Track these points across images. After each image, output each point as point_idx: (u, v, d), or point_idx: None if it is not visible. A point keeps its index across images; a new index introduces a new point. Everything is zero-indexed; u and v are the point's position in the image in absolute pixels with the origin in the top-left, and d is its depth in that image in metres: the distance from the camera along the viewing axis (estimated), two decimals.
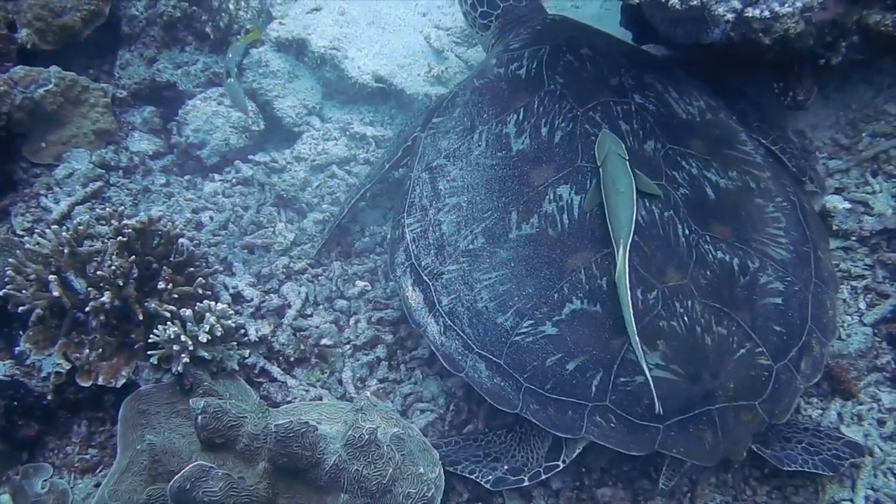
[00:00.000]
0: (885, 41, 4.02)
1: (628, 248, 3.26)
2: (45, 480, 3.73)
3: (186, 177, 4.94)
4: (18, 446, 3.80)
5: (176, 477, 2.90)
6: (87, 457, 3.81)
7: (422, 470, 3.19)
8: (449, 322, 3.59)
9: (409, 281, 3.81)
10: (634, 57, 4.21)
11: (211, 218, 4.60)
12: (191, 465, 2.92)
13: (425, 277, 3.72)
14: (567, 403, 3.31)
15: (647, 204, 3.50)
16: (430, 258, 3.74)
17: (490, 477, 3.44)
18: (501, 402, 3.44)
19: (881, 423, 3.66)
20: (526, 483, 3.41)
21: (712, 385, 3.24)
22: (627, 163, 3.48)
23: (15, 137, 4.70)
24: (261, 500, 3.05)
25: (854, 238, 4.10)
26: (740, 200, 3.66)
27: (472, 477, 3.46)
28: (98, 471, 3.78)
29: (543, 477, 3.43)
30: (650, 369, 3.18)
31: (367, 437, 3.08)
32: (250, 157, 4.95)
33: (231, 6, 5.10)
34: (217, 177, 4.93)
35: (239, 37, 4.46)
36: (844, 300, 3.98)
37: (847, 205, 4.16)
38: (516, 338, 3.42)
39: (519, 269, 3.51)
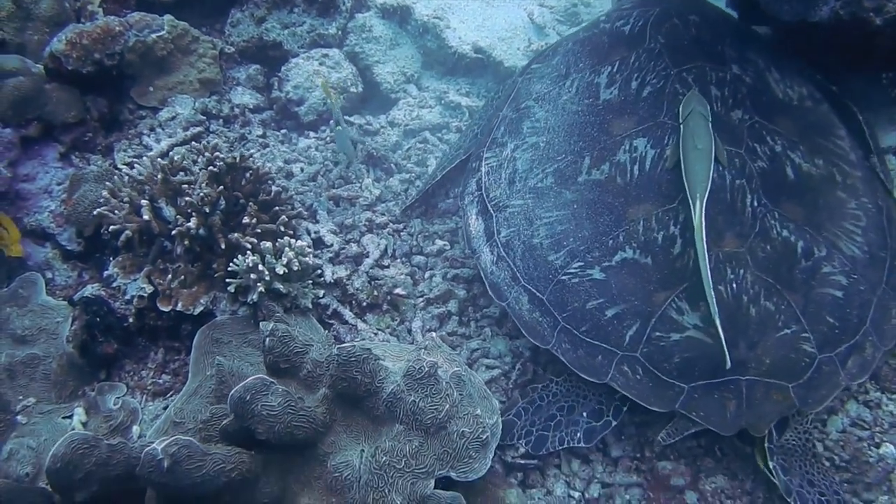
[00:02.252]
0: None
1: (705, 202, 3.20)
2: (118, 398, 3.84)
3: (283, 131, 5.04)
4: (97, 364, 3.93)
5: (237, 387, 2.92)
6: (161, 381, 3.92)
7: (479, 412, 3.15)
8: (503, 252, 3.65)
9: (474, 210, 3.88)
10: (744, 33, 4.16)
11: (301, 169, 4.69)
12: (253, 378, 2.95)
13: (490, 208, 3.78)
14: (599, 348, 3.32)
15: (721, 169, 3.44)
16: (499, 191, 3.79)
17: (579, 434, 3.40)
18: (536, 336, 3.48)
19: None
20: (613, 422, 3.38)
21: (747, 355, 3.18)
22: (710, 123, 3.43)
23: (125, 79, 4.89)
24: (317, 423, 3.07)
25: None
26: (821, 188, 3.55)
27: (565, 447, 3.40)
28: (169, 395, 3.88)
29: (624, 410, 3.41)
30: (687, 328, 3.18)
31: (426, 369, 3.06)
32: (346, 117, 5.02)
33: None
34: (312, 134, 5.02)
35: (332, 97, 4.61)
36: None
37: None
38: (563, 276, 3.44)
39: (580, 211, 3.52)
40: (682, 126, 3.49)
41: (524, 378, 3.76)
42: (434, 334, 3.54)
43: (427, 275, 4.20)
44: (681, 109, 3.55)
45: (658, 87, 3.72)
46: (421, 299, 4.08)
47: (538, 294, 3.49)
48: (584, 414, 3.41)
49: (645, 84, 3.74)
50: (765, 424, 3.20)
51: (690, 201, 3.25)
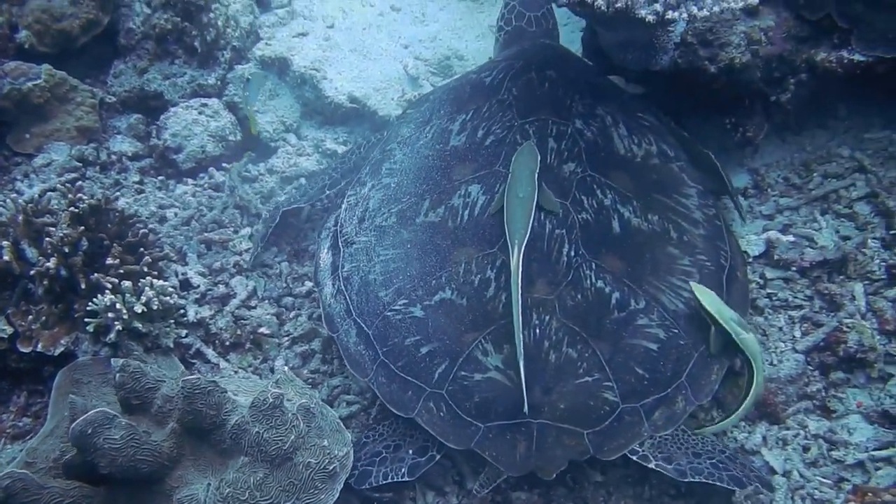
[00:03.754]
0: (832, 79, 4.16)
1: (523, 248, 3.34)
2: None
3: (160, 178, 5.11)
4: None
5: (79, 420, 2.94)
6: (21, 424, 3.89)
7: (326, 443, 3.21)
8: (342, 286, 3.78)
9: (327, 244, 4.04)
10: (603, 91, 4.29)
11: (175, 214, 4.75)
12: (95, 411, 2.97)
13: (340, 244, 3.92)
14: (411, 384, 3.44)
15: (542, 218, 3.58)
16: (351, 227, 3.93)
17: (403, 469, 3.44)
18: (357, 368, 3.61)
19: (805, 449, 3.64)
20: (437, 456, 3.44)
21: (541, 400, 3.29)
22: (536, 175, 3.58)
23: (1, 126, 4.92)
24: (163, 457, 3.09)
25: (794, 269, 4.13)
26: (649, 244, 3.68)
27: (389, 481, 3.43)
28: (28, 438, 3.84)
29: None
30: (489, 368, 3.33)
31: (271, 400, 3.11)
32: (224, 165, 5.12)
33: (220, 22, 5.36)
34: (190, 181, 5.09)
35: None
36: (780, 328, 4.00)
37: (790, 237, 4.22)
38: (388, 313, 3.57)
39: (413, 251, 3.67)
40: (509, 175, 3.65)
41: (384, 412, 3.83)
42: (286, 368, 3.62)
43: (293, 314, 4.27)
44: (513, 159, 3.70)
45: (500, 137, 3.90)
46: (286, 338, 4.15)
47: (365, 328, 3.62)
48: (410, 451, 3.48)
49: (489, 133, 3.92)
50: (553, 468, 3.26)
51: (509, 247, 3.39)
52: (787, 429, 3.72)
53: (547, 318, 3.39)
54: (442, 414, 3.37)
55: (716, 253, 3.81)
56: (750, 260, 4.21)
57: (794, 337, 3.95)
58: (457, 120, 4.06)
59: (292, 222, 4.74)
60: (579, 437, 3.27)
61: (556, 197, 3.64)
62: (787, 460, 3.61)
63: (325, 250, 4.01)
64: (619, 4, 3.17)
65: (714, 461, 3.36)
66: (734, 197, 4.33)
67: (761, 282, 4.16)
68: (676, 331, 3.49)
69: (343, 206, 4.07)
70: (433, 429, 3.37)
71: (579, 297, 3.45)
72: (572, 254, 3.53)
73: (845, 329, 3.78)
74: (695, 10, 3.10)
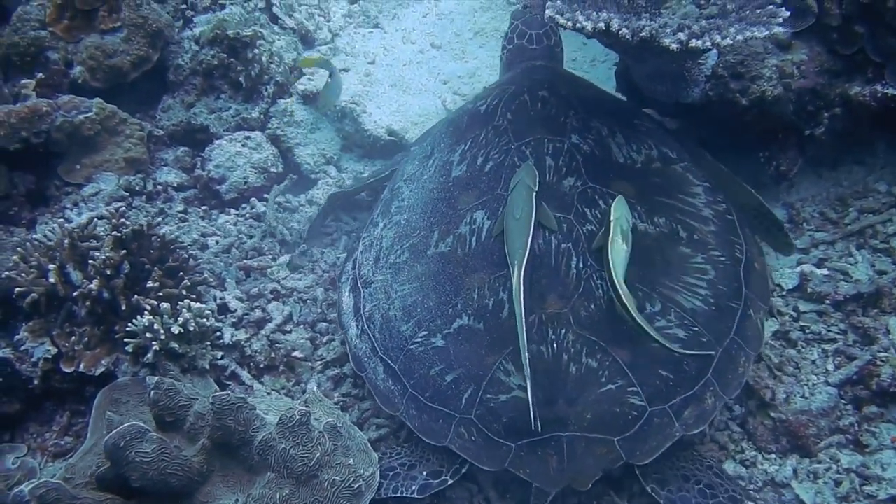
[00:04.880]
0: (866, 114, 4.16)
1: (523, 269, 3.37)
2: (18, 458, 3.92)
3: (203, 207, 5.25)
4: (1, 425, 4.03)
5: (112, 433, 3.04)
6: (62, 443, 4.01)
7: (352, 461, 3.27)
8: (366, 326, 3.84)
9: (347, 287, 4.11)
10: (597, 103, 4.30)
11: (216, 242, 4.88)
12: (127, 424, 3.06)
13: (360, 285, 3.99)
14: (440, 412, 3.49)
15: (546, 234, 3.62)
16: (368, 268, 4.01)
17: (414, 487, 3.49)
18: (388, 404, 3.66)
19: (837, 483, 3.58)
20: (449, 481, 3.48)
21: (566, 412, 3.31)
22: (534, 194, 3.61)
23: (53, 157, 5.12)
24: (193, 472, 3.17)
25: (828, 302, 4.10)
26: (658, 246, 3.69)
27: (397, 495, 3.49)
28: (69, 456, 3.95)
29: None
30: (512, 388, 3.36)
31: (298, 417, 3.18)
32: (265, 196, 5.25)
33: (264, 58, 5.53)
34: (232, 210, 5.23)
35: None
36: (813, 361, 3.96)
37: (825, 271, 4.20)
38: (412, 346, 3.62)
39: (428, 283, 3.73)
40: (508, 197, 3.70)
41: (413, 436, 3.87)
42: (314, 387, 3.69)
43: (326, 339, 4.35)
44: (511, 182, 3.75)
45: (499, 161, 3.94)
46: (319, 363, 4.22)
47: (391, 364, 3.67)
48: (424, 473, 3.53)
49: (488, 159, 3.98)
50: (587, 478, 3.28)
51: (510, 268, 3.44)
52: (819, 462, 3.66)
53: (563, 331, 3.42)
54: (473, 438, 3.40)
55: (730, 247, 3.83)
56: (783, 293, 4.19)
57: (826, 370, 3.91)
58: (456, 151, 4.12)
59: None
60: (610, 444, 3.29)
61: (559, 212, 3.68)
62: (817, 494, 3.56)
63: (347, 293, 4.10)
64: (643, 33, 3.23)
65: (702, 485, 3.41)
66: (781, 228, 4.30)
67: (794, 314, 4.13)
68: (696, 329, 3.51)
69: (359, 249, 4.16)
70: (466, 453, 3.41)
71: (592, 307, 3.48)
72: (581, 266, 3.56)
73: (879, 362, 3.74)
74: (718, 38, 3.14)
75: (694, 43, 3.15)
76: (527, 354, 3.25)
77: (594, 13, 3.31)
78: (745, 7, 3.47)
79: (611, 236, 3.42)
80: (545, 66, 4.59)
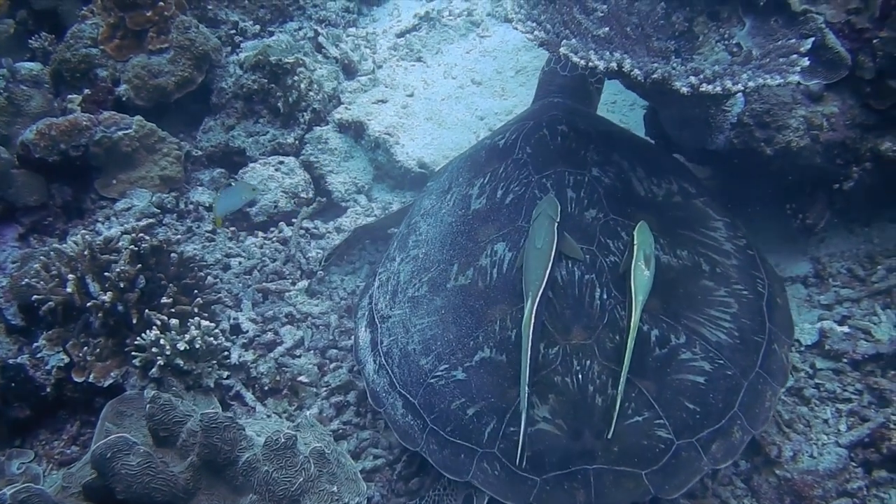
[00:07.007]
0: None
1: (537, 300, 3.32)
2: (23, 463, 3.99)
3: (232, 228, 5.33)
4: (12, 430, 4.12)
5: (99, 443, 3.07)
6: (69, 452, 4.09)
7: (336, 489, 3.24)
8: (384, 361, 3.79)
9: (364, 322, 4.07)
10: (615, 138, 4.28)
11: (239, 263, 4.94)
12: (115, 435, 3.09)
13: (377, 320, 3.95)
14: (462, 447, 3.41)
15: (570, 265, 3.57)
16: (384, 303, 3.97)
17: None
18: (407, 439, 3.58)
19: None
20: None
21: (593, 444, 3.22)
22: (556, 225, 3.57)
23: (91, 170, 5.28)
24: (178, 488, 3.17)
25: (846, 360, 3.97)
26: (681, 278, 3.64)
27: None
28: (73, 465, 4.02)
29: None
30: (537, 420, 3.27)
31: (283, 441, 3.17)
32: (294, 220, 5.31)
33: (303, 85, 5.62)
34: (260, 233, 5.29)
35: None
36: (825, 420, 3.83)
37: (846, 329, 4.06)
38: (432, 380, 3.56)
39: (447, 316, 3.67)
40: (529, 228, 3.67)
41: (409, 470, 3.85)
42: (308, 413, 3.68)
43: (334, 366, 4.35)
44: (533, 213, 3.72)
45: (519, 194, 3.90)
46: (325, 389, 4.22)
47: (410, 399, 3.61)
48: None
49: (508, 192, 3.94)
50: None
51: (524, 298, 3.39)
52: None
53: (588, 362, 3.35)
54: (497, 472, 3.33)
55: (752, 281, 3.75)
56: (801, 348, 4.07)
57: (838, 430, 3.77)
58: (475, 184, 4.10)
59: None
60: (637, 477, 3.21)
61: (581, 243, 3.63)
62: None
63: (363, 329, 4.06)
64: (655, 75, 3.19)
65: None
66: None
67: (811, 371, 4.01)
68: (722, 361, 3.43)
69: (375, 284, 4.15)
70: (489, 489, 3.33)
71: (617, 338, 3.41)
72: (605, 297, 3.50)
73: (891, 426, 3.59)
74: (729, 84, 3.08)
75: (705, 88, 3.10)
76: (526, 391, 3.20)
77: (607, 53, 3.27)
78: (769, 55, 3.41)
79: (634, 261, 3.40)
80: (562, 102, 4.57)
